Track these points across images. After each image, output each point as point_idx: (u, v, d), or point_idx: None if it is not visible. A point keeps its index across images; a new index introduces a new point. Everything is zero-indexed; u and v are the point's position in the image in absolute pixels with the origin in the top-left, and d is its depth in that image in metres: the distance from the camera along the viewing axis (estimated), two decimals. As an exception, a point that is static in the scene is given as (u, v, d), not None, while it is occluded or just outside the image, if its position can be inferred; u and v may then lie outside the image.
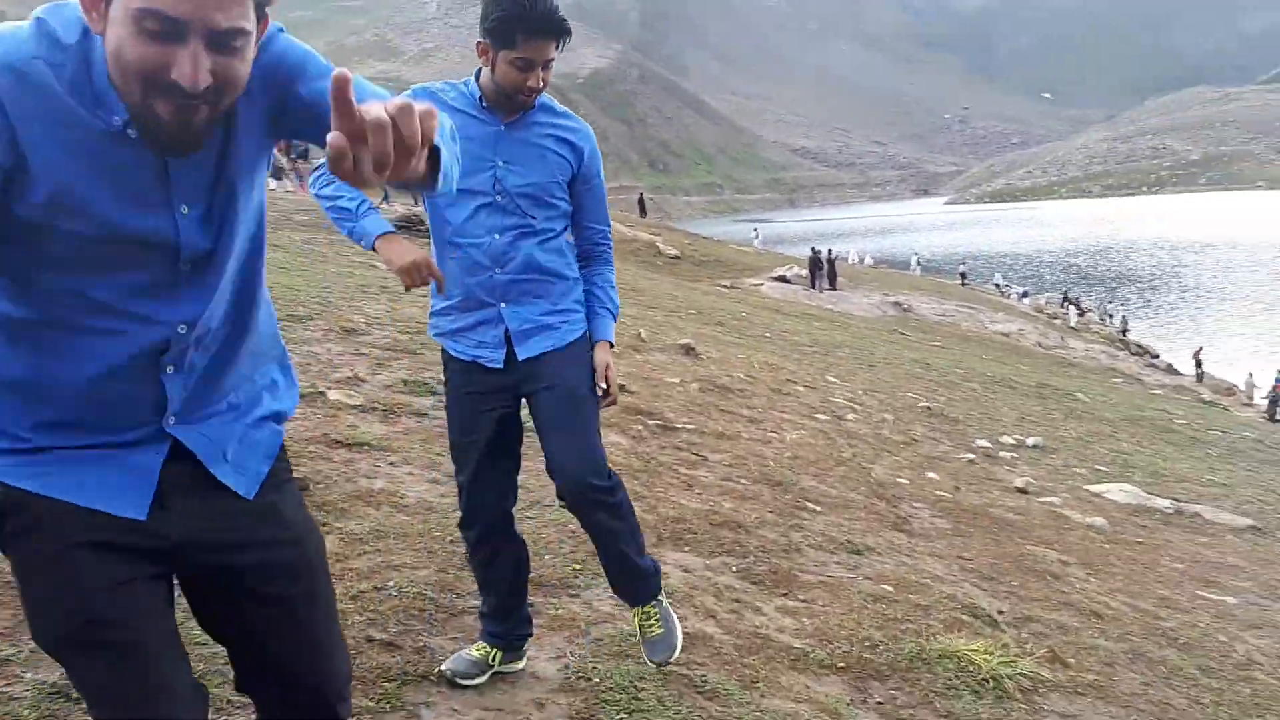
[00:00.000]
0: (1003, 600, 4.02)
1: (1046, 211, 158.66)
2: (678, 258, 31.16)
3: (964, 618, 3.61)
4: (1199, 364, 28.28)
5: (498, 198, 2.30)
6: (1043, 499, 6.68)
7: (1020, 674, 3.11)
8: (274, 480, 1.43)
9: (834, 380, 11.05)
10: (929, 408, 10.12)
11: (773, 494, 5.02)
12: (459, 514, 2.47)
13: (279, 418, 1.47)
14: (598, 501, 2.36)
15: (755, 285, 30.42)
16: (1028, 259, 76.50)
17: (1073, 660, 3.45)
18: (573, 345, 2.40)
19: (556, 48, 2.23)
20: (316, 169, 2.32)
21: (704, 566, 3.68)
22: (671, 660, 2.56)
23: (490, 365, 2.35)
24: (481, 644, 2.52)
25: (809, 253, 32.75)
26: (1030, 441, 9.26)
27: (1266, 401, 24.77)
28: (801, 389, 9.70)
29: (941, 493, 6.19)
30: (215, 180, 1.27)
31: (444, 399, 2.48)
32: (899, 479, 6.33)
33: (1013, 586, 4.25)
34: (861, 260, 56.08)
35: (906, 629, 3.34)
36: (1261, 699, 3.48)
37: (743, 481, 5.15)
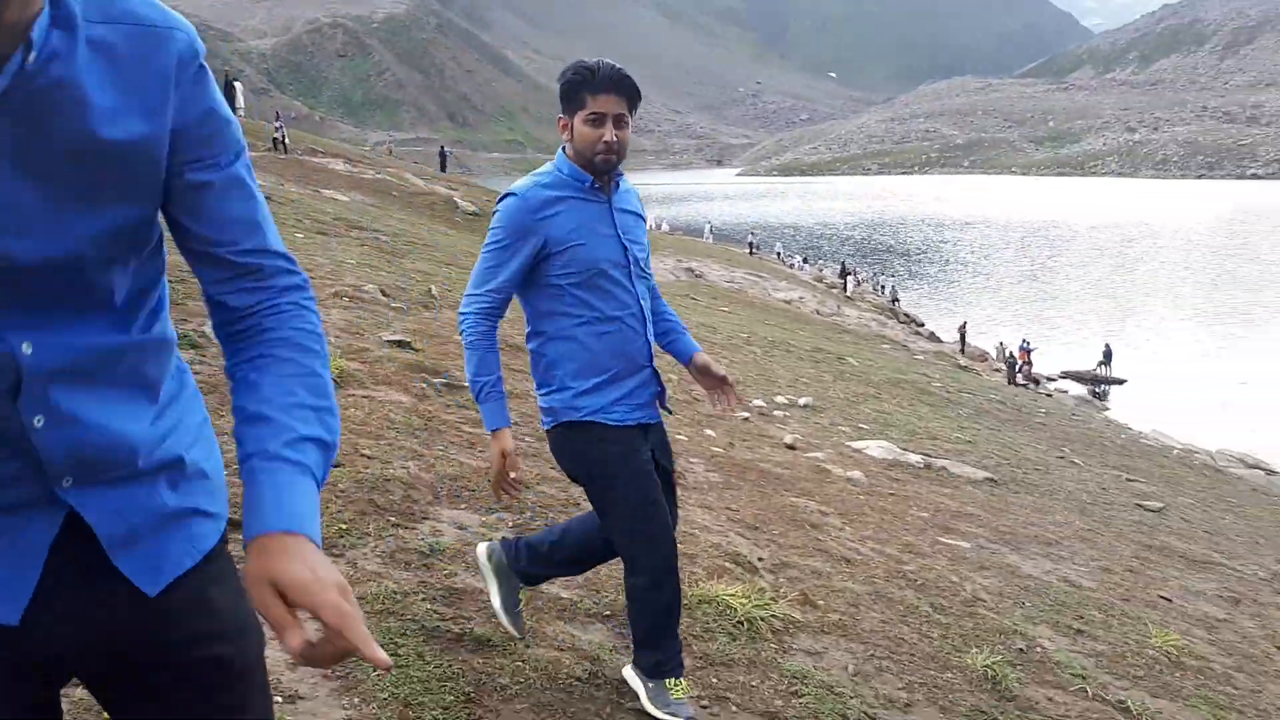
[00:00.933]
0: (764, 548, 4.27)
1: (829, 186, 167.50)
2: (477, 214, 30.59)
3: (727, 565, 3.81)
4: (963, 336, 30.84)
5: (633, 266, 2.50)
6: (809, 454, 7.11)
7: (773, 616, 3.32)
8: (204, 573, 1.12)
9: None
10: (713, 369, 10.51)
11: (554, 451, 5.08)
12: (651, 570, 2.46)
13: (212, 517, 1.15)
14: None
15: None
16: (810, 230, 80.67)
17: (822, 602, 3.72)
18: (695, 353, 2.79)
19: (629, 107, 2.40)
20: (465, 313, 2.44)
21: (479, 523, 3.68)
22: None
23: (652, 422, 2.56)
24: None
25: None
26: (802, 401, 9.82)
27: (1007, 367, 27.38)
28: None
29: (716, 449, 6.47)
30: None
31: (594, 473, 2.49)
32: (678, 436, 6.55)
33: (774, 535, 4.52)
34: (659, 226, 57.22)
35: (672, 578, 3.48)
36: (981, 630, 3.88)
37: (526, 439, 5.17)
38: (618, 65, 2.39)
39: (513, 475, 2.41)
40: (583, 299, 2.42)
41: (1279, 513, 11.82)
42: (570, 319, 2.44)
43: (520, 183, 2.47)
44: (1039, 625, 4.23)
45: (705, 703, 2.67)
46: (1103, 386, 28.50)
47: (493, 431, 2.39)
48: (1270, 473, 19.03)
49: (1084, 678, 3.68)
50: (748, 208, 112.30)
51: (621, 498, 2.43)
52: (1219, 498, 11.42)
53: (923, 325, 35.31)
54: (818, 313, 30.25)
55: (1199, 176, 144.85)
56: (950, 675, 3.32)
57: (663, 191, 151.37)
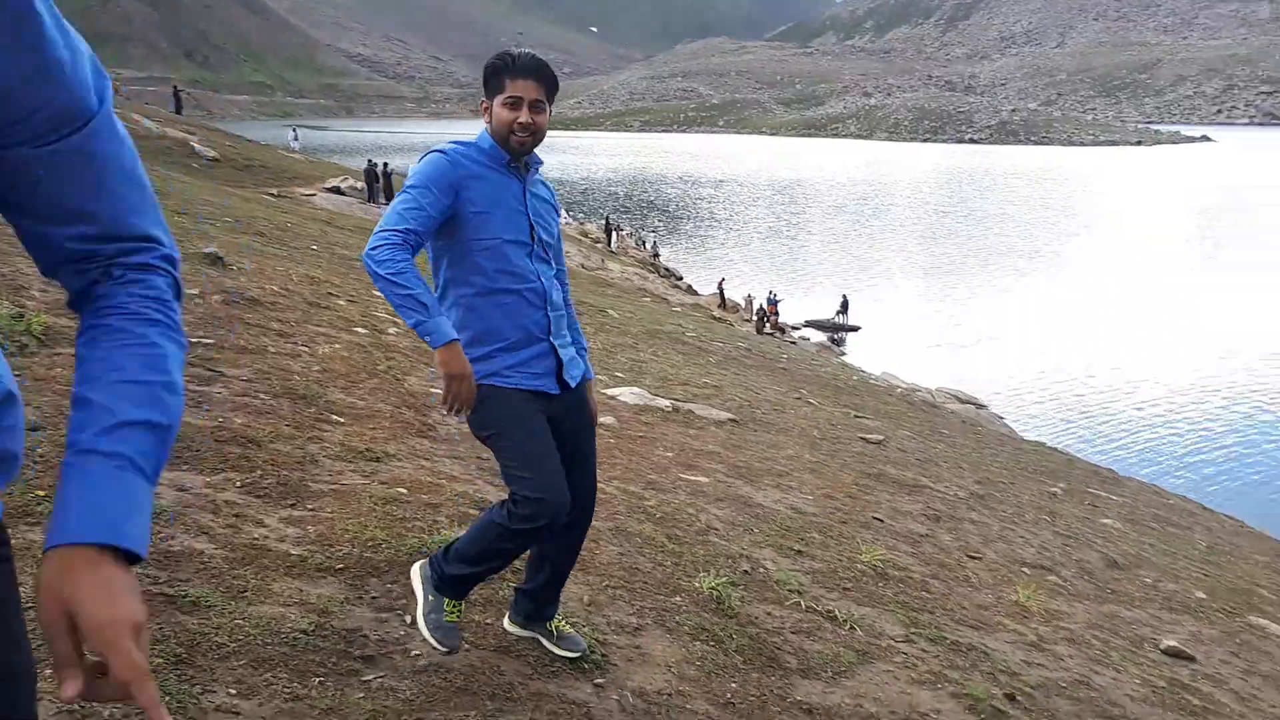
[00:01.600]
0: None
1: (593, 141, 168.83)
2: (217, 160, 28.45)
3: (471, 511, 3.85)
4: (722, 291, 32.19)
5: (535, 246, 2.62)
6: (564, 403, 7.25)
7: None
8: None
9: (379, 295, 10.94)
10: (471, 322, 10.45)
11: (294, 408, 4.89)
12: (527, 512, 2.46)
13: None
14: (589, 523, 2.86)
15: (307, 195, 28.88)
16: (574, 185, 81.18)
17: (564, 541, 3.84)
18: (588, 380, 2.81)
19: (546, 94, 2.56)
20: (376, 247, 2.36)
21: (204, 484, 3.50)
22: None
23: (551, 392, 2.63)
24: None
25: (365, 164, 31.72)
26: (561, 352, 9.98)
27: (756, 317, 28.95)
28: (343, 303, 9.48)
29: (470, 401, 6.46)
30: None
31: (487, 428, 2.57)
32: (432, 389, 6.48)
33: (522, 481, 4.60)
34: (418, 178, 55.69)
35: (413, 526, 3.48)
36: (711, 557, 4.15)
37: (261, 396, 4.94)
38: (537, 54, 2.57)
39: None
40: (483, 269, 2.53)
41: (982, 440, 13.33)
42: (470, 288, 2.55)
43: (445, 144, 2.59)
44: (764, 549, 4.59)
45: (445, 649, 2.71)
46: (840, 334, 30.74)
47: (449, 343, 2.36)
48: (979, 406, 21.36)
49: (799, 593, 4.03)
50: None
51: (515, 452, 2.51)
52: (933, 429, 12.71)
53: (681, 279, 36.55)
54: (583, 267, 30.59)
55: (925, 140, 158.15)
56: (679, 599, 3.55)
57: (425, 140, 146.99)
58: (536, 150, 2.66)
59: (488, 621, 2.93)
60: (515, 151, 2.56)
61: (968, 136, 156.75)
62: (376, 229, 2.42)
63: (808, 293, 35.92)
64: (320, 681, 2.34)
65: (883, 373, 23.02)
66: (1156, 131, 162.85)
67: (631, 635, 3.14)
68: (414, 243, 2.41)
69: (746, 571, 4.12)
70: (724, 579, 3.80)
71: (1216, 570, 8.25)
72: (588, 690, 2.69)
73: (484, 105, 2.60)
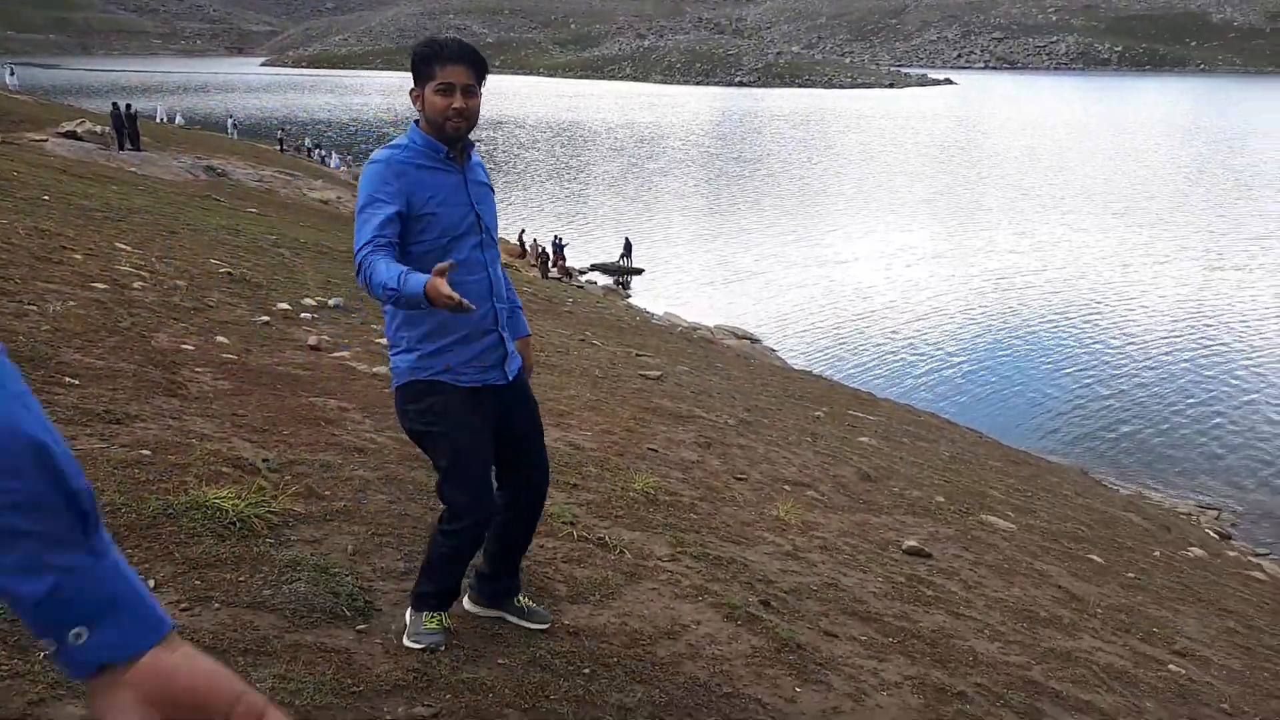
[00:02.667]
0: (271, 449, 4.17)
1: (363, 80, 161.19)
2: None
3: (224, 470, 3.67)
4: (522, 241, 31.77)
5: (484, 235, 2.68)
6: (334, 354, 7.00)
7: (270, 512, 3.29)
8: None
9: (124, 247, 10.07)
10: (231, 273, 9.82)
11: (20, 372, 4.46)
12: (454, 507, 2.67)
13: None
14: (543, 499, 3.04)
15: (38, 141, 26.00)
16: (344, 126, 77.44)
17: (328, 493, 3.75)
18: (525, 336, 2.95)
19: (476, 78, 2.60)
20: (359, 267, 2.42)
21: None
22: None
23: (500, 384, 2.72)
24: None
25: (109, 108, 28.87)
26: (332, 302, 9.58)
27: (539, 262, 28.92)
28: (79, 257, 8.67)
29: (229, 355, 6.12)
30: None
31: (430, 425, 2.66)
32: (184, 346, 6.08)
33: (284, 436, 4.43)
34: (171, 119, 51.53)
35: (157, 489, 3.28)
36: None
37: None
38: (465, 41, 2.62)
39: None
40: (433, 264, 2.39)
41: (754, 372, 14.04)
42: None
43: (380, 152, 2.59)
44: (540, 486, 4.66)
45: (186, 604, 2.60)
46: (625, 276, 31.25)
47: (424, 287, 2.25)
48: (753, 340, 22.44)
49: (571, 524, 4.14)
50: (275, 101, 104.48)
51: (448, 450, 2.63)
52: (709, 364, 13.26)
53: (556, 243, 35.83)
54: (355, 213, 29.38)
55: (699, 83, 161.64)
56: (449, 540, 3.55)
57: (175, 80, 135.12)
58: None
59: (240, 579, 2.83)
60: (451, 137, 2.61)
61: (737, 79, 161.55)
62: (354, 247, 2.46)
63: (593, 236, 36.19)
64: (45, 655, 2.19)
65: (665, 313, 23.69)
66: (906, 74, 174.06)
67: (398, 580, 3.13)
68: (388, 243, 2.43)
69: (519, 508, 4.18)
70: (495, 517, 3.84)
71: (956, 477, 9.15)
72: (350, 637, 2.67)
73: (415, 94, 2.62)
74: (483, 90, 2.66)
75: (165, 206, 16.68)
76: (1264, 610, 6.85)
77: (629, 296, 28.08)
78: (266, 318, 7.94)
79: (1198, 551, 9.22)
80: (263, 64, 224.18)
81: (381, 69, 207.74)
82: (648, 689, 2.80)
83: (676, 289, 29.28)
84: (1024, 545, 6.63)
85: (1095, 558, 6.94)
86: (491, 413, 2.72)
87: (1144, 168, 55.49)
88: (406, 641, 2.73)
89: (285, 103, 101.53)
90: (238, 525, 3.13)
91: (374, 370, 6.68)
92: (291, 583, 2.85)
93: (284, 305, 8.82)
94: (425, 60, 2.58)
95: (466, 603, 3.01)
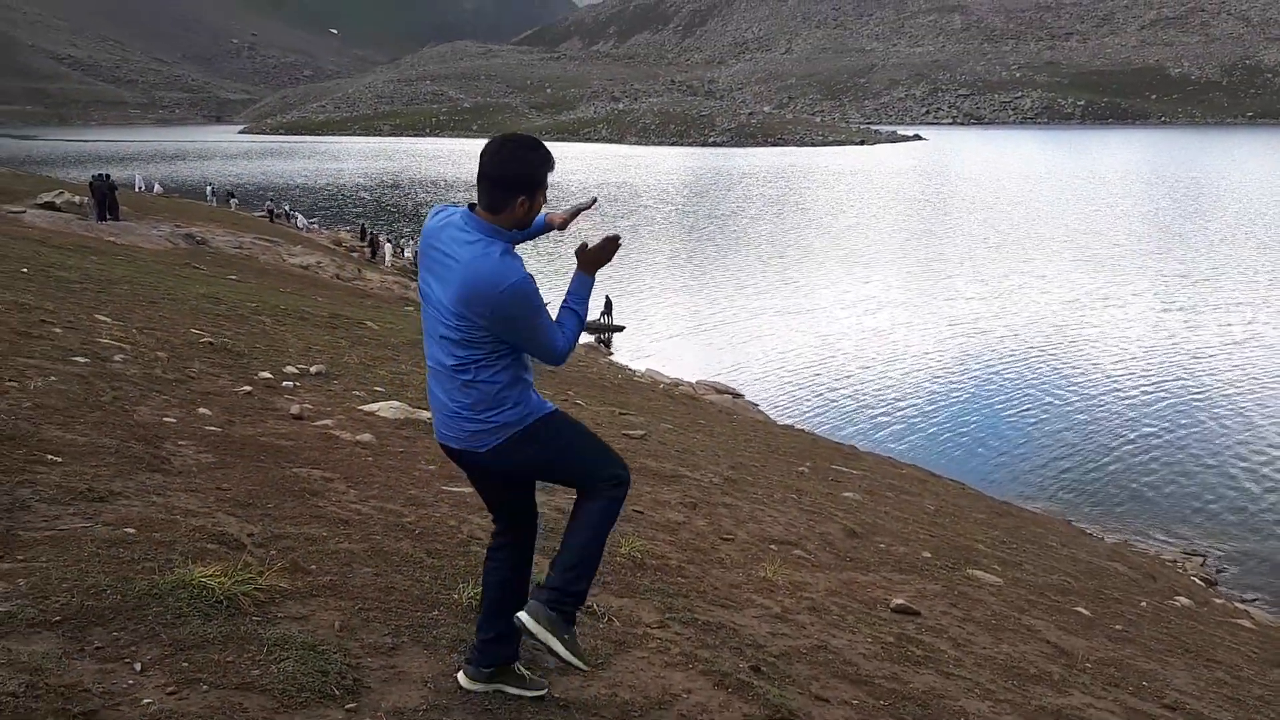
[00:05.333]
0: (256, 524, 4.15)
1: (340, 146, 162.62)
2: None
3: (210, 546, 3.65)
4: None
5: None
6: (317, 423, 6.98)
7: (256, 590, 3.26)
8: None
9: (104, 319, 10.07)
10: (212, 343, 9.81)
11: (-2, 451, 4.43)
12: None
13: None
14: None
15: (15, 213, 26.04)
16: (320, 191, 77.95)
17: (314, 567, 3.73)
18: None
19: None
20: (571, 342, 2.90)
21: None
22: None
23: None
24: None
25: (88, 179, 28.97)
26: (314, 370, 9.57)
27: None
28: (59, 330, 8.65)
29: (211, 427, 6.10)
30: None
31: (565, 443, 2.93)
32: (165, 419, 6.06)
33: (269, 509, 4.41)
34: (150, 188, 51.75)
35: (142, 568, 3.26)
36: (471, 566, 4.15)
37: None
38: None
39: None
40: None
41: (738, 428, 14.07)
42: (521, 368, 2.84)
43: (518, 266, 2.69)
44: (527, 554, 4.64)
45: (173, 688, 2.56)
46: (606, 334, 31.37)
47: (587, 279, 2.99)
48: (735, 395, 22.51)
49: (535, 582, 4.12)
50: (252, 167, 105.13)
51: (588, 445, 2.93)
52: (692, 421, 13.28)
53: None
54: (338, 277, 29.42)
55: (673, 143, 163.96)
56: (437, 613, 3.54)
57: (153, 149, 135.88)
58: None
59: (228, 659, 2.80)
60: (520, 238, 2.86)
61: (711, 139, 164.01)
62: (557, 345, 2.80)
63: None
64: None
65: (646, 370, 23.74)
66: (876, 131, 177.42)
67: (387, 656, 3.11)
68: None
69: (500, 575, 4.16)
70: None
71: (941, 531, 9.16)
72: (338, 717, 2.64)
73: (523, 202, 2.75)
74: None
75: (145, 276, 16.68)
76: (1252, 660, 6.86)
77: (610, 354, 28.16)
78: (249, 387, 7.92)
79: (1185, 601, 9.24)
80: (241, 130, 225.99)
81: (359, 134, 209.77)
82: (641, 762, 2.78)
83: (656, 345, 29.41)
84: (1011, 600, 6.63)
85: (1083, 610, 6.95)
86: None
87: (1104, 216, 56.64)
88: (574, 660, 2.83)
89: (262, 168, 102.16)
90: (224, 604, 3.11)
91: (357, 438, 6.67)
92: (279, 662, 2.82)
93: (266, 374, 8.80)
94: (546, 166, 2.77)
95: (463, 679, 2.99)
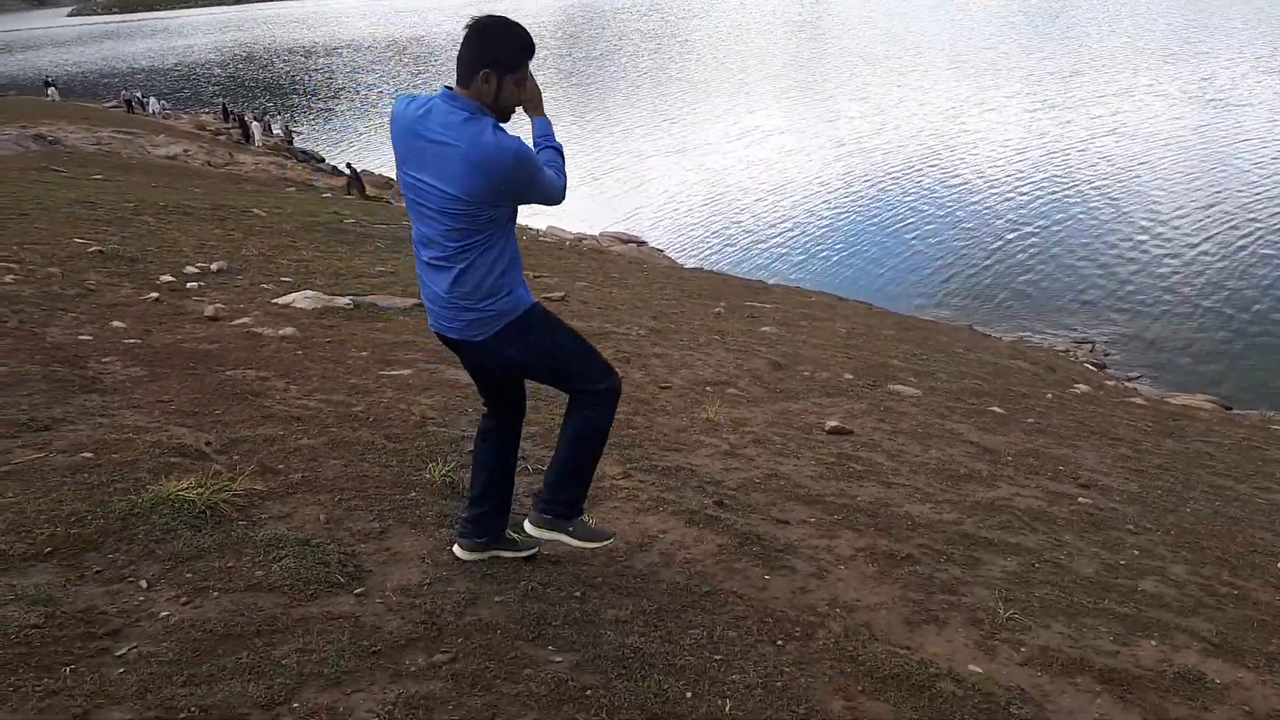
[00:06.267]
0: (210, 431, 4.15)
1: (183, 21, 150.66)
2: None
3: (173, 460, 3.65)
4: (355, 174, 30.25)
5: None
6: (235, 322, 6.84)
7: (235, 495, 3.32)
8: None
9: (-18, 236, 9.49)
10: (102, 250, 9.36)
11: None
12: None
13: None
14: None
15: None
16: (169, 73, 72.72)
17: (281, 466, 3.78)
18: None
19: None
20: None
21: None
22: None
23: None
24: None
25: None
26: (214, 267, 9.25)
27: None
28: (-68, 259, 8.15)
29: (131, 340, 5.94)
30: None
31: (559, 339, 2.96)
32: (81, 336, 5.87)
33: (217, 415, 4.39)
34: (-21, 88, 47.55)
35: (115, 490, 3.27)
36: (434, 445, 4.27)
37: None
38: None
39: None
40: (508, 221, 2.85)
41: (650, 277, 14.21)
42: (508, 236, 2.86)
43: (508, 134, 2.69)
44: (481, 425, 4.76)
45: (185, 599, 2.65)
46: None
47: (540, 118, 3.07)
48: (640, 244, 22.58)
49: (524, 457, 4.27)
50: (90, 54, 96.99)
51: (578, 348, 2.96)
52: (606, 276, 13.35)
53: (323, 161, 34.50)
54: (209, 164, 27.89)
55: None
56: (415, 494, 3.65)
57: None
58: None
59: (229, 565, 2.88)
60: (503, 121, 2.79)
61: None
62: (557, 186, 2.88)
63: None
64: (72, 670, 2.24)
65: (548, 227, 23.51)
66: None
67: (378, 540, 3.23)
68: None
69: (471, 451, 4.28)
70: (452, 464, 3.94)
71: (858, 351, 9.59)
72: (350, 602, 2.77)
73: (487, 75, 2.69)
74: None
75: (3, 186, 15.59)
76: (1148, 433, 7.52)
77: (509, 215, 27.70)
78: (154, 293, 7.65)
79: (1083, 388, 9.97)
80: (70, 13, 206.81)
81: (201, 6, 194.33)
82: (636, 600, 3.01)
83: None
84: (932, 408, 7.08)
85: (997, 409, 7.47)
86: None
87: (975, 22, 56.94)
88: (585, 544, 3.07)
89: (101, 53, 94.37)
90: (208, 514, 3.16)
91: (280, 334, 6.57)
92: (279, 560, 2.92)
93: (167, 277, 8.49)
94: (523, 52, 2.75)
95: (459, 551, 3.14)
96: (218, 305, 7.30)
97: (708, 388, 6.52)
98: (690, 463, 4.55)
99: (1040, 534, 4.24)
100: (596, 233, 23.39)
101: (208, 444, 3.96)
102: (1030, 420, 7.26)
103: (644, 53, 61.01)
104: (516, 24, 2.75)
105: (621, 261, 16.75)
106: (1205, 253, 19.28)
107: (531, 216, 26.39)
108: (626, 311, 9.58)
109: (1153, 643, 3.16)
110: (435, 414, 4.87)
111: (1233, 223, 20.47)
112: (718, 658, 2.69)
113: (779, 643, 2.83)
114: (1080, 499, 4.96)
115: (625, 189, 29.22)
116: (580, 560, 3.28)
